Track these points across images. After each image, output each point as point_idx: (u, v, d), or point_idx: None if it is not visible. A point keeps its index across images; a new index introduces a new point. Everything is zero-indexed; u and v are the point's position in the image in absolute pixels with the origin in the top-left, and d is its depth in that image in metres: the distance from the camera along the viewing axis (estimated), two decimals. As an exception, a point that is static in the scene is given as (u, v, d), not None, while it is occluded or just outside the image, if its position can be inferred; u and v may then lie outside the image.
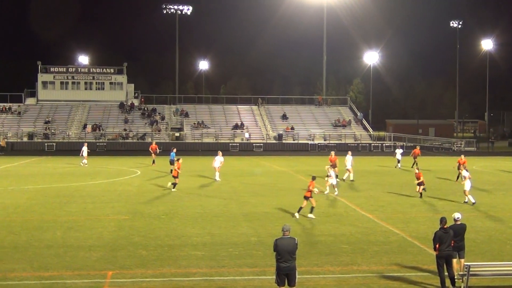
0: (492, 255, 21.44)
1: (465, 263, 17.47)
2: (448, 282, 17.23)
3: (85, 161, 54.92)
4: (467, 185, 32.86)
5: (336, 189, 36.04)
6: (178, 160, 39.69)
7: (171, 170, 47.09)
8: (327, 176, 36.22)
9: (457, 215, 18.48)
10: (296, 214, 28.27)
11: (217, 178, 43.42)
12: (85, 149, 55.25)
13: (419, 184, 35.45)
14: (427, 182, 38.56)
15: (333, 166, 43.59)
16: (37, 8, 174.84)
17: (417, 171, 36.13)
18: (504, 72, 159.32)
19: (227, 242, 23.18)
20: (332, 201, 34.09)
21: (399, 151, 55.82)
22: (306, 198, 28.38)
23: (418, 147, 57.63)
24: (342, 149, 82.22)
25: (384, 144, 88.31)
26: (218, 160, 44.01)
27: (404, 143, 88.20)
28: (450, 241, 17.31)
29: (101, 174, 48.78)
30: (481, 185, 41.76)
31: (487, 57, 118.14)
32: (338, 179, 41.97)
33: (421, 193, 35.25)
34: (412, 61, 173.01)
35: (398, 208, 31.85)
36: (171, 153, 47.90)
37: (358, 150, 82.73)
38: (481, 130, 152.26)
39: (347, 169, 44.78)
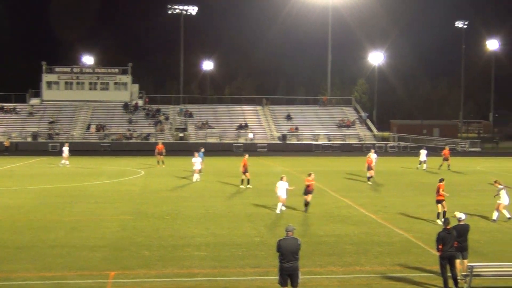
0: (496, 255, 21.39)
1: (468, 264, 17.44)
2: (451, 282, 17.19)
3: (64, 161, 55.11)
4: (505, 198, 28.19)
5: (280, 205, 30.13)
6: (245, 156, 41.47)
7: (199, 170, 47.93)
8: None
9: (460, 215, 18.45)
10: (438, 221, 26.95)
11: (196, 179, 43.22)
12: (65, 149, 55.50)
13: (306, 193, 30.35)
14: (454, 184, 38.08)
15: (370, 168, 43.55)
16: (41, 8, 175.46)
17: (310, 177, 30.56)
18: (509, 72, 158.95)
19: (230, 242, 23.18)
20: (336, 202, 34.06)
21: (423, 152, 54.88)
22: (439, 202, 27.83)
23: (447, 148, 57.08)
24: (346, 150, 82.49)
25: (388, 145, 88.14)
26: (198, 160, 43.63)
27: (409, 144, 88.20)
28: (453, 241, 17.28)
29: (104, 174, 48.82)
30: (485, 185, 41.72)
31: (492, 57, 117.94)
32: (370, 182, 42.81)
33: (307, 203, 30.36)
34: (417, 61, 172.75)
35: (402, 208, 31.78)
36: (199, 153, 48.33)
37: (362, 150, 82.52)
38: (486, 130, 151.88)
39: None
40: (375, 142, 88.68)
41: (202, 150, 49.16)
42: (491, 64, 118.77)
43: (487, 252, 21.87)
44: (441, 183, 28.10)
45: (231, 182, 42.92)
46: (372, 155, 45.78)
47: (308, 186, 30.31)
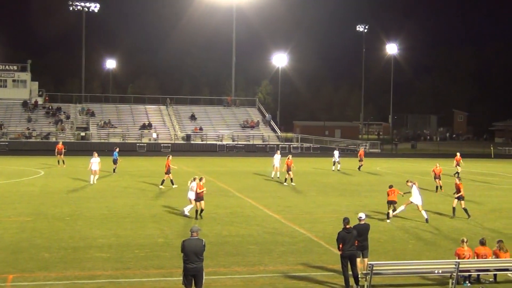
0: (395, 254, 21.98)
1: (369, 262, 17.83)
2: (352, 281, 17.54)
3: None
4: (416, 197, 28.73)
5: (189, 207, 28.70)
6: (168, 157, 40.93)
7: (114, 170, 47.76)
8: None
9: (361, 215, 18.88)
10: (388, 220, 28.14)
11: (93, 181, 41.16)
12: None
13: (197, 200, 27.95)
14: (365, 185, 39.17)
15: (289, 170, 43.04)
16: None
17: (201, 182, 28.09)
18: (407, 76, 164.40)
19: (133, 243, 22.86)
20: (240, 202, 34.17)
21: (336, 153, 55.35)
22: (390, 203, 28.66)
23: (362, 149, 58.03)
24: (250, 150, 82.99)
25: (291, 145, 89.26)
26: (96, 161, 41.50)
27: (311, 144, 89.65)
28: (353, 241, 17.63)
29: (2, 174, 47.17)
30: (384, 186, 42.83)
31: (391, 61, 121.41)
32: (294, 183, 42.41)
33: (198, 211, 28.15)
34: (320, 63, 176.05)
35: (305, 208, 32.24)
36: (114, 153, 48.19)
37: (266, 151, 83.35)
38: (385, 132, 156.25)
39: (276, 167, 45.46)
40: (278, 143, 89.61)
41: (117, 150, 48.68)
42: (390, 67, 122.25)
43: (387, 251, 22.45)
44: (393, 189, 28.80)
45: (135, 182, 42.44)
46: (277, 156, 46.28)
47: (199, 192, 27.82)
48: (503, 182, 48.07)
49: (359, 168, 54.75)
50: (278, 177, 45.70)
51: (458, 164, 50.23)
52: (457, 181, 30.53)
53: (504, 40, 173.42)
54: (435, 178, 40.88)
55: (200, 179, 28.11)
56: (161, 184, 40.00)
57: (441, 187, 40.57)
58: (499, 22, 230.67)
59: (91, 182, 41.03)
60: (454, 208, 29.93)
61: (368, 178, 48.79)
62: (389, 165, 63.13)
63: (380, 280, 18.01)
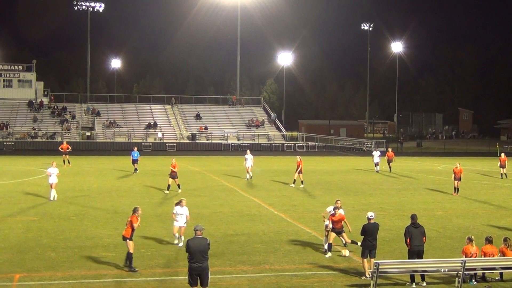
0: (401, 253, 21.90)
1: (374, 261, 17.81)
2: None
3: None
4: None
5: None
6: (172, 160, 38.16)
7: (135, 170, 47.15)
8: None
9: (370, 214, 18.88)
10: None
11: (53, 197, 32.99)
12: None
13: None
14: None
15: (299, 171, 41.40)
16: None
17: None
18: (412, 74, 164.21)
19: (139, 242, 22.81)
20: (246, 201, 34.16)
21: (376, 154, 53.56)
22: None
23: (390, 149, 56.05)
24: (255, 149, 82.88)
25: (296, 144, 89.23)
26: (54, 172, 33.62)
27: (316, 143, 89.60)
28: (421, 236, 18.41)
29: (8, 174, 47.25)
30: (390, 184, 42.85)
31: (396, 60, 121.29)
32: (301, 186, 40.84)
33: None
34: (324, 62, 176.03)
35: (310, 207, 32.20)
36: (132, 152, 47.80)
37: (271, 150, 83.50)
38: (391, 131, 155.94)
39: (247, 167, 44.80)
40: (284, 142, 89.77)
41: (136, 149, 48.20)
42: (395, 66, 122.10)
43: (393, 249, 22.45)
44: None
45: (141, 181, 42.44)
46: (248, 156, 45.31)
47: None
48: (509, 180, 47.86)
49: (390, 171, 52.92)
50: (251, 177, 44.90)
51: (503, 166, 49.15)
52: None
53: (508, 38, 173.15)
54: (454, 178, 38.13)
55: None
56: (171, 188, 37.20)
57: (457, 189, 38.07)
58: (503, 20, 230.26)
59: (51, 199, 33.03)
60: None
61: (373, 177, 48.70)
62: (395, 164, 62.92)
63: (386, 279, 18.00)
